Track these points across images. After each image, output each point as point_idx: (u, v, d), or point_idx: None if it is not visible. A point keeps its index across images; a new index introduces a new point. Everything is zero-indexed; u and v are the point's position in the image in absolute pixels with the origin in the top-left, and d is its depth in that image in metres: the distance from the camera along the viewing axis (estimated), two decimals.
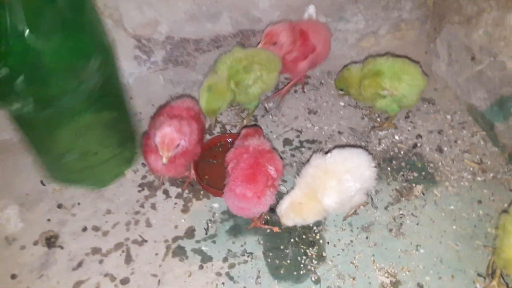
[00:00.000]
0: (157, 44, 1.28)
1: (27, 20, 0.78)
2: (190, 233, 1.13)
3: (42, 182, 1.24)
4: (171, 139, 0.99)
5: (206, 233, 1.13)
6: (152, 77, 1.34)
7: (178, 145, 1.01)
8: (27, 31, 0.79)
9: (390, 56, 1.24)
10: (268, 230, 1.11)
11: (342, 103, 1.43)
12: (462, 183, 1.20)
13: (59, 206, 1.19)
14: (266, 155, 1.04)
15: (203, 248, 1.10)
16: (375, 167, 1.04)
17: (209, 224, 1.14)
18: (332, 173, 1.00)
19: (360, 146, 1.26)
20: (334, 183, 0.99)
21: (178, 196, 1.21)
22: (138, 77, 1.34)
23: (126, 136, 1.20)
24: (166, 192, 1.22)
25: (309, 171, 1.02)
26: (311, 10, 1.35)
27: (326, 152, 1.05)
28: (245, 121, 1.36)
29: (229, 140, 1.29)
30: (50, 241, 1.12)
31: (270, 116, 1.39)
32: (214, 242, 1.11)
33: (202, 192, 1.21)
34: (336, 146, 1.19)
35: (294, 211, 1.01)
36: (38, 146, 1.11)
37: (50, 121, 0.98)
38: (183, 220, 1.15)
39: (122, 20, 1.19)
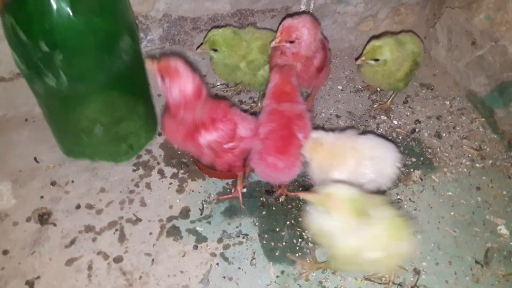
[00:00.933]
0: (154, 22, 1.21)
1: (70, 1, 0.81)
2: (185, 213, 1.07)
3: (35, 159, 1.18)
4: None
5: (201, 214, 1.07)
6: (149, 55, 1.27)
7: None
8: (70, 8, 0.81)
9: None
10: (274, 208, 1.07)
11: (340, 87, 1.36)
12: (460, 169, 1.15)
13: (53, 183, 1.13)
14: (298, 123, 0.96)
15: (198, 228, 1.04)
16: (399, 168, 0.97)
17: (204, 205, 1.09)
18: (355, 153, 0.93)
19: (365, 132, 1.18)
20: (352, 162, 0.92)
21: (173, 176, 1.15)
22: None
23: (149, 108, 1.19)
24: (161, 172, 1.16)
25: (342, 137, 0.96)
26: None
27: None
28: (259, 104, 1.29)
29: None
30: (43, 218, 1.07)
31: None
32: (209, 222, 1.05)
33: (197, 173, 1.15)
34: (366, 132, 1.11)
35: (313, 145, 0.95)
36: (64, 122, 1.07)
37: (82, 95, 0.98)
38: (178, 200, 1.10)
39: None
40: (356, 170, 0.93)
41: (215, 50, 1.11)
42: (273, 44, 1.04)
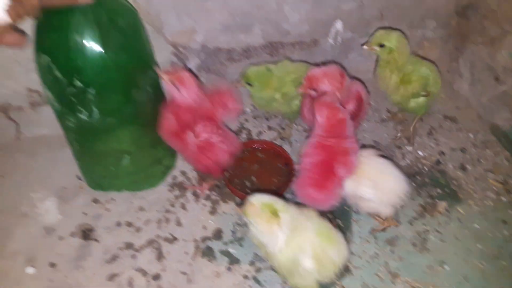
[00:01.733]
0: (192, 52, 1.26)
1: (101, 38, 0.84)
2: (217, 234, 1.09)
3: (78, 177, 1.22)
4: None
5: (233, 236, 1.09)
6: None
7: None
8: (101, 46, 0.85)
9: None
10: None
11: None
12: (486, 202, 1.14)
13: (95, 201, 1.17)
14: (342, 159, 0.98)
15: (230, 250, 1.06)
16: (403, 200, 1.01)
17: (236, 227, 1.10)
18: (360, 171, 0.99)
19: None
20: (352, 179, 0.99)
21: (207, 197, 1.17)
22: None
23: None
24: (195, 193, 1.18)
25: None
26: (338, 26, 1.31)
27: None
28: (286, 131, 1.32)
29: (254, 145, 1.25)
30: (86, 233, 1.10)
31: (295, 125, 1.36)
32: (241, 245, 1.07)
33: (229, 195, 1.17)
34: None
35: None
36: (93, 155, 1.10)
37: (111, 127, 1.01)
38: (211, 222, 1.12)
39: (162, 27, 1.17)
40: (356, 187, 0.98)
41: (250, 85, 1.18)
42: (299, 91, 1.10)
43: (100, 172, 1.14)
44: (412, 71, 1.19)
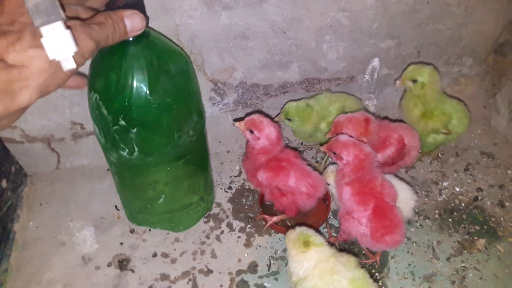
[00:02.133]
0: (231, 88, 1.33)
1: (149, 81, 0.89)
2: (253, 267, 1.13)
3: (116, 207, 1.30)
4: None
5: (268, 270, 1.12)
6: (222, 117, 1.39)
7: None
8: (148, 90, 0.90)
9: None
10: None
11: None
12: None
13: (132, 231, 1.23)
14: (386, 192, 1.03)
15: (265, 284, 1.09)
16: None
17: (271, 261, 1.14)
18: None
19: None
20: None
21: (241, 230, 1.22)
22: (210, 117, 1.39)
23: (209, 182, 1.26)
24: (229, 225, 1.23)
25: None
26: (375, 63, 1.38)
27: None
28: (322, 163, 1.39)
29: None
30: (122, 264, 1.16)
31: (330, 159, 1.41)
32: (276, 279, 1.10)
33: (264, 228, 1.21)
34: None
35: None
36: (132, 190, 1.17)
37: (150, 167, 1.06)
38: (246, 254, 1.16)
39: (203, 65, 1.25)
40: None
41: (289, 120, 1.26)
42: (327, 136, 1.17)
43: (136, 207, 1.20)
44: (435, 107, 1.25)
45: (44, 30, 0.53)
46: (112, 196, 1.32)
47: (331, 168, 1.18)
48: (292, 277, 0.97)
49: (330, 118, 1.25)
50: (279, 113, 1.28)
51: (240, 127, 1.08)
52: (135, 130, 0.94)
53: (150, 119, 0.94)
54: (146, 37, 0.88)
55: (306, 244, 0.96)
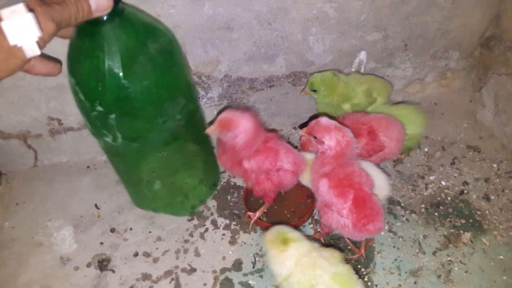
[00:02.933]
0: (215, 82, 1.32)
1: (123, 64, 0.84)
2: (237, 265, 1.12)
3: (96, 206, 1.28)
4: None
5: (253, 267, 1.12)
6: (207, 111, 1.37)
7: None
8: (122, 73, 0.85)
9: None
10: None
11: None
12: (511, 233, 1.16)
13: (112, 230, 1.21)
14: (363, 181, 1.02)
15: (250, 282, 1.09)
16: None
17: (256, 258, 1.14)
18: None
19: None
20: None
21: (226, 227, 1.21)
22: None
23: (209, 164, 1.25)
24: (214, 223, 1.22)
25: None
26: (362, 56, 1.38)
27: None
28: None
29: None
30: (103, 264, 1.14)
31: None
32: (261, 276, 1.10)
33: (250, 226, 1.20)
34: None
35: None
36: (126, 176, 1.16)
37: (138, 153, 1.03)
38: (230, 252, 1.15)
39: (186, 57, 1.23)
40: None
41: (314, 91, 1.25)
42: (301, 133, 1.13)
43: (137, 193, 1.20)
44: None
45: (4, 12, 0.49)
46: (92, 194, 1.31)
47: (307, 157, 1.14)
48: (277, 278, 0.96)
49: (355, 100, 1.26)
50: (304, 88, 1.26)
51: (211, 131, 1.01)
52: (113, 116, 0.91)
53: (127, 104, 0.90)
54: (119, 15, 0.83)
55: (284, 241, 0.95)
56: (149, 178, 1.12)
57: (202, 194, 1.26)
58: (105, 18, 0.80)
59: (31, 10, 0.52)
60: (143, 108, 0.92)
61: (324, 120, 1.01)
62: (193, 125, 1.09)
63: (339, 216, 1.00)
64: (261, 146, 1.06)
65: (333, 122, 1.01)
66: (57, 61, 0.78)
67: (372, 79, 1.34)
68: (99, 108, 0.89)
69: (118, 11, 0.82)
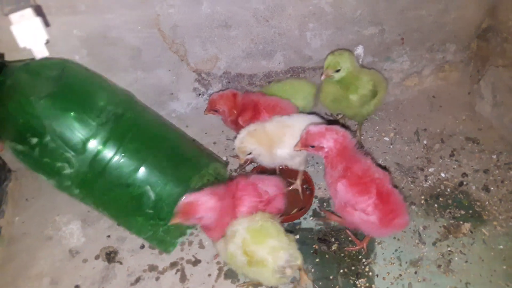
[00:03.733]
0: (215, 78, 1.34)
1: None
2: None
3: None
4: None
5: None
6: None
7: None
8: None
9: None
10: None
11: (387, 139, 1.44)
12: (510, 223, 1.17)
13: (119, 224, 1.24)
14: (378, 175, 1.03)
15: None
16: None
17: None
18: (289, 128, 1.12)
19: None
20: (288, 137, 1.10)
21: None
22: (195, 108, 1.40)
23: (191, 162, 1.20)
24: None
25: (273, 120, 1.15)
26: (359, 50, 1.39)
27: None
28: (357, 133, 1.42)
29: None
30: (110, 256, 1.17)
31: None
32: None
33: None
34: None
35: (250, 136, 1.11)
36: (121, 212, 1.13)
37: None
38: None
39: (186, 55, 1.26)
40: (293, 142, 1.07)
41: (338, 71, 1.21)
42: (295, 149, 1.11)
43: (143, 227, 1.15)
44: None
45: (13, 17, 0.52)
46: None
47: (249, 129, 1.14)
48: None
49: (362, 91, 1.25)
50: (322, 73, 1.23)
51: (177, 221, 0.96)
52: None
53: None
54: None
55: None
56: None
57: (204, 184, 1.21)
58: None
59: (39, 14, 0.55)
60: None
61: (312, 128, 1.03)
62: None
63: (364, 215, 1.00)
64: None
65: (321, 125, 1.03)
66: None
67: (374, 73, 1.33)
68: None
69: None
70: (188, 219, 0.95)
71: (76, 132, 0.86)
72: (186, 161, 1.16)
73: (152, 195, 1.02)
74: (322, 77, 1.21)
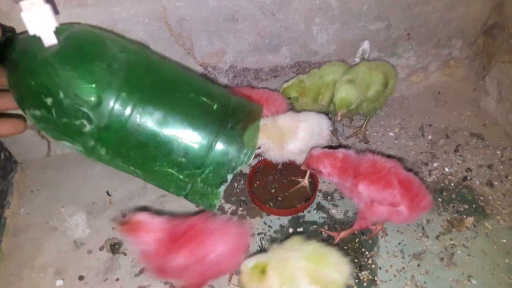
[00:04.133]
0: (221, 72, 1.35)
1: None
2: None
3: (107, 193, 1.32)
4: None
5: (260, 251, 1.15)
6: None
7: None
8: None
9: None
10: None
11: (392, 134, 1.45)
12: None
13: (123, 215, 1.25)
14: (392, 171, 1.05)
15: None
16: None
17: (263, 242, 1.17)
18: (302, 122, 1.16)
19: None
20: (301, 131, 1.15)
21: (233, 213, 1.24)
22: None
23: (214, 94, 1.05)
24: (221, 208, 1.26)
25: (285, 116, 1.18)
26: (365, 45, 1.40)
27: None
28: (362, 129, 1.43)
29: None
30: (115, 247, 1.18)
31: None
32: None
33: (256, 210, 1.24)
34: None
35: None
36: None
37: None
38: None
39: (192, 49, 1.27)
40: (306, 136, 1.14)
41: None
42: (302, 167, 1.16)
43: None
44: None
45: (23, 4, 0.53)
46: (103, 182, 1.35)
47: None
48: None
49: (376, 86, 1.28)
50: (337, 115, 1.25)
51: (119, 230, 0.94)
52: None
53: None
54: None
55: (263, 271, 0.90)
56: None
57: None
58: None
59: (49, 1, 0.56)
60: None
61: (314, 152, 1.09)
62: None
63: (393, 207, 1.03)
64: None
65: (322, 150, 1.09)
66: (19, 117, 0.77)
67: (381, 64, 1.35)
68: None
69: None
70: (134, 235, 0.93)
71: (88, 83, 0.80)
72: (212, 103, 1.02)
73: (181, 141, 0.94)
74: (338, 119, 1.25)
